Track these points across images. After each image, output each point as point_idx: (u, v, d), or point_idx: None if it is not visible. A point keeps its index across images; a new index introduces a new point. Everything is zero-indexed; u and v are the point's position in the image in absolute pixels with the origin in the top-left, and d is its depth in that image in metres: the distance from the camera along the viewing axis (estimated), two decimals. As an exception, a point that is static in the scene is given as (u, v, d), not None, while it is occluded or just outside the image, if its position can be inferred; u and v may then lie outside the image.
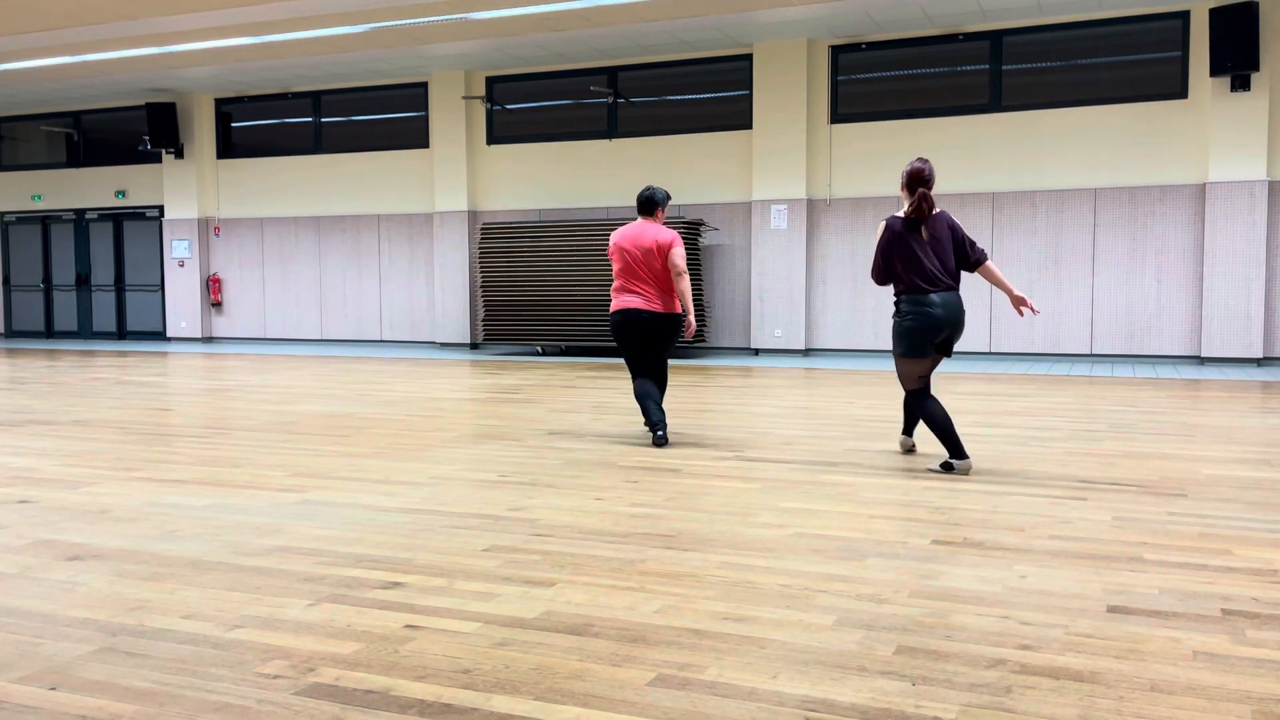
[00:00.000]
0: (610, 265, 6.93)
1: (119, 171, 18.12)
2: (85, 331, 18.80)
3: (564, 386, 10.08)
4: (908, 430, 6.25)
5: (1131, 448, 6.29)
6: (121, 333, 18.51)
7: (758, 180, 13.70)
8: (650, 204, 6.81)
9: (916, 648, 2.92)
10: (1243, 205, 11.71)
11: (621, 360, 13.38)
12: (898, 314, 5.73)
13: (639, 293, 6.68)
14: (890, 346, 5.85)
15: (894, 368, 5.89)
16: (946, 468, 5.61)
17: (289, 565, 3.80)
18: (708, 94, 14.28)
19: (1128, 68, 12.35)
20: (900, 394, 9.15)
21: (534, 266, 14.14)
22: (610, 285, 7.11)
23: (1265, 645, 2.93)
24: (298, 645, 2.97)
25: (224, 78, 15.75)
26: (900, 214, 5.76)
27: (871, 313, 13.41)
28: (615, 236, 6.76)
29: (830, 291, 13.60)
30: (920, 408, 5.71)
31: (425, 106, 15.79)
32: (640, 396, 6.71)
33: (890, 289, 7.56)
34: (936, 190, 13.06)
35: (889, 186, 13.19)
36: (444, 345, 15.67)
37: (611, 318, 6.77)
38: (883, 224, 5.77)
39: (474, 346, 15.55)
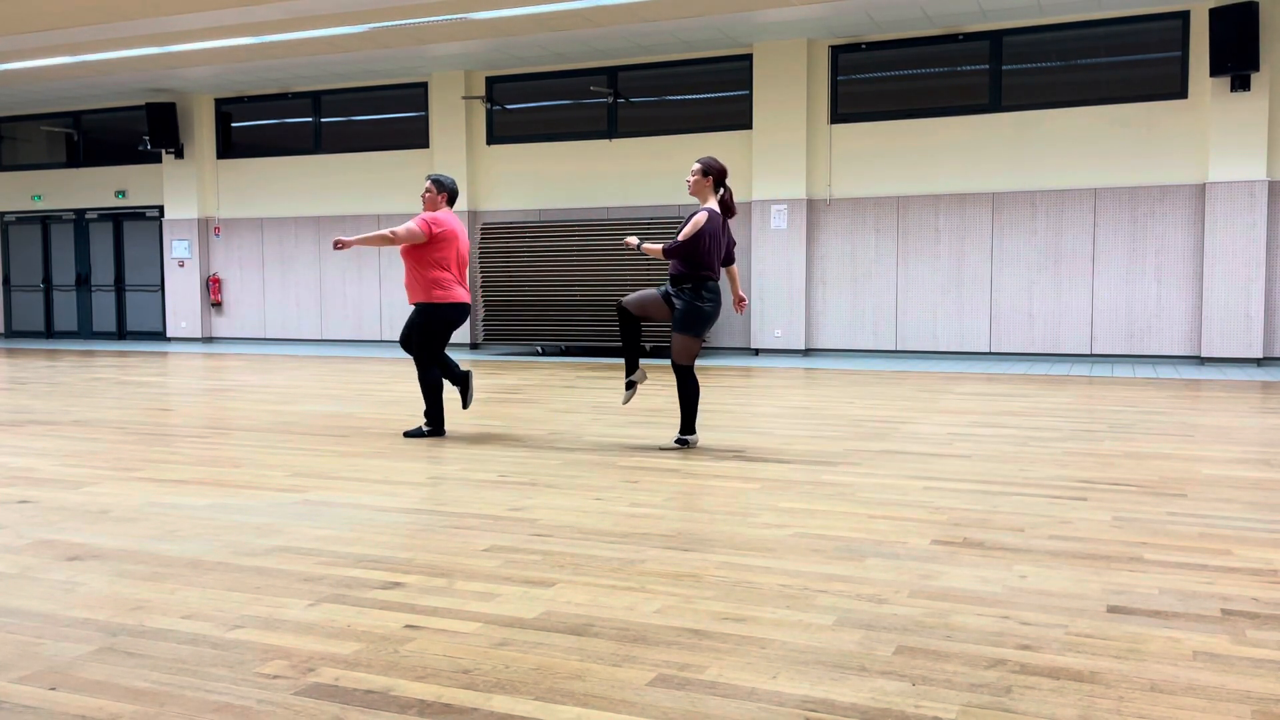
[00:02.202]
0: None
1: (119, 171, 18.12)
2: (85, 331, 18.80)
3: (564, 386, 10.08)
4: (692, 428, 6.49)
5: (1131, 448, 6.29)
6: (121, 333, 18.51)
7: (757, 180, 13.70)
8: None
9: (916, 648, 2.92)
10: (1243, 205, 11.71)
11: (617, 359, 13.38)
12: (695, 297, 6.25)
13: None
14: (684, 328, 6.34)
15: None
16: (682, 443, 6.38)
17: (289, 565, 3.80)
18: (708, 94, 14.28)
19: (1128, 68, 12.35)
20: (901, 394, 9.15)
21: (534, 266, 14.14)
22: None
23: (1265, 645, 2.93)
24: (298, 645, 2.97)
25: (224, 78, 15.75)
26: (713, 207, 6.33)
27: (872, 312, 13.42)
28: (450, 223, 6.80)
29: (830, 291, 13.60)
30: (694, 382, 6.37)
31: (425, 106, 15.79)
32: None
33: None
34: (937, 190, 13.08)
35: (889, 187, 13.19)
36: (444, 345, 15.66)
37: (456, 309, 6.85)
38: (705, 212, 6.26)
39: (474, 346, 15.55)
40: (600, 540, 4.14)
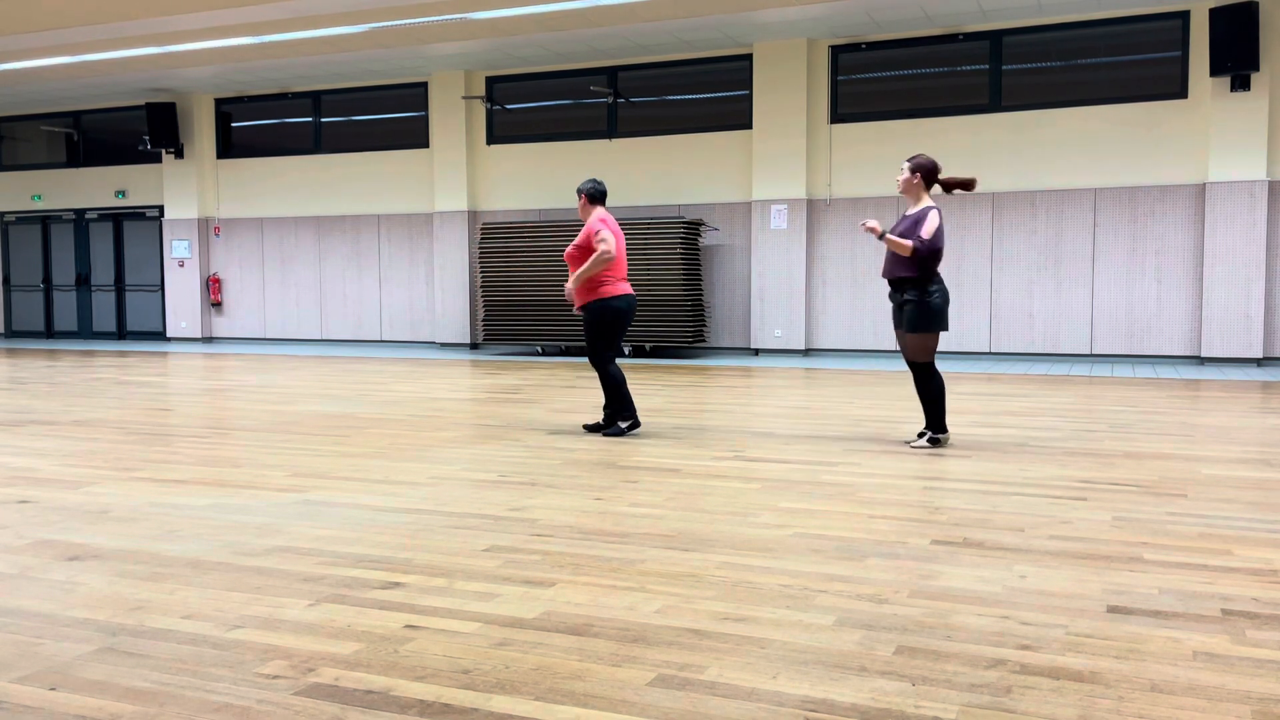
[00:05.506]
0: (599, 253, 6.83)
1: (119, 171, 18.12)
2: (85, 331, 18.80)
3: (564, 386, 10.08)
4: (942, 425, 6.34)
5: (1131, 448, 6.29)
6: (121, 333, 18.51)
7: (758, 180, 13.70)
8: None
9: (916, 648, 2.92)
10: (1243, 205, 11.71)
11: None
12: (923, 294, 6.15)
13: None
14: (917, 328, 6.21)
15: (905, 354, 6.39)
16: (934, 441, 6.30)
17: (289, 565, 3.80)
18: (708, 94, 14.27)
19: (1128, 68, 12.34)
20: (901, 394, 9.15)
21: (534, 266, 14.14)
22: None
23: (1265, 645, 2.93)
24: (298, 645, 2.97)
25: (224, 78, 15.75)
26: (936, 205, 6.25)
27: (871, 313, 13.41)
28: (608, 221, 6.94)
29: (830, 291, 13.60)
30: (937, 379, 6.26)
31: (425, 106, 15.79)
32: (623, 382, 7.05)
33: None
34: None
35: (889, 186, 13.18)
36: (444, 345, 15.67)
37: (622, 301, 6.91)
38: (936, 211, 6.18)
39: (474, 346, 15.55)
40: (600, 540, 4.14)
